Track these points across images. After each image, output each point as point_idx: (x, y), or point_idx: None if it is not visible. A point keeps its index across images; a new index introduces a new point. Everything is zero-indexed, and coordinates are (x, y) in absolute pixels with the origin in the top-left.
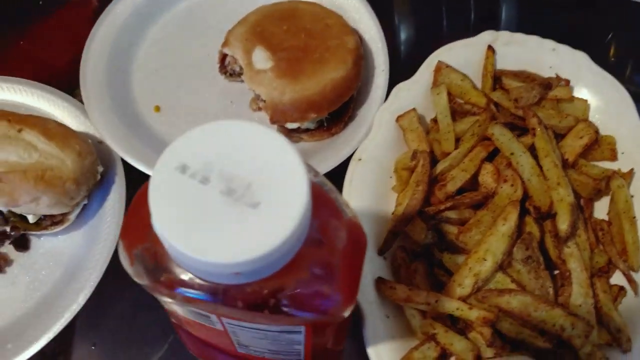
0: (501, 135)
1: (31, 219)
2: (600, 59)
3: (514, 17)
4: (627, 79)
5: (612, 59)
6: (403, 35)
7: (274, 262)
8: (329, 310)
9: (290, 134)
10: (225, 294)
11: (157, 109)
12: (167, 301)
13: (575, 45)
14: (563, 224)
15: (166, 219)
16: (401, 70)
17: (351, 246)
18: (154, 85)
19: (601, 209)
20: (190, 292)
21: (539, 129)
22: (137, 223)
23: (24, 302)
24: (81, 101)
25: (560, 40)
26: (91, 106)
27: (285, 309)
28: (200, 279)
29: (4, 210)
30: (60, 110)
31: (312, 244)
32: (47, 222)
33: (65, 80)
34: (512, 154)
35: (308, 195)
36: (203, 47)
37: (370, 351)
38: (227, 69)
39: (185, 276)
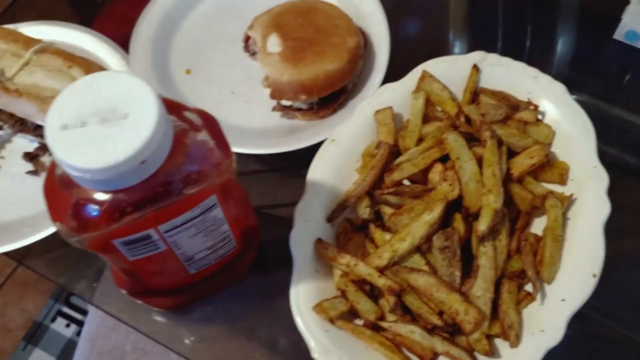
0: (454, 141)
1: None
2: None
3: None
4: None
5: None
6: (407, 45)
7: (155, 153)
8: (217, 164)
9: (286, 110)
10: (134, 193)
11: (188, 71)
12: (108, 238)
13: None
14: (482, 225)
15: (64, 151)
16: (397, 73)
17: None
18: (190, 52)
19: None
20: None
21: (489, 142)
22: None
23: None
24: None
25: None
26: (134, 58)
27: (191, 177)
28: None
29: None
30: (108, 58)
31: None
32: None
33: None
34: (458, 158)
35: (159, 112)
36: (239, 28)
37: (292, 293)
38: (249, 48)
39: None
